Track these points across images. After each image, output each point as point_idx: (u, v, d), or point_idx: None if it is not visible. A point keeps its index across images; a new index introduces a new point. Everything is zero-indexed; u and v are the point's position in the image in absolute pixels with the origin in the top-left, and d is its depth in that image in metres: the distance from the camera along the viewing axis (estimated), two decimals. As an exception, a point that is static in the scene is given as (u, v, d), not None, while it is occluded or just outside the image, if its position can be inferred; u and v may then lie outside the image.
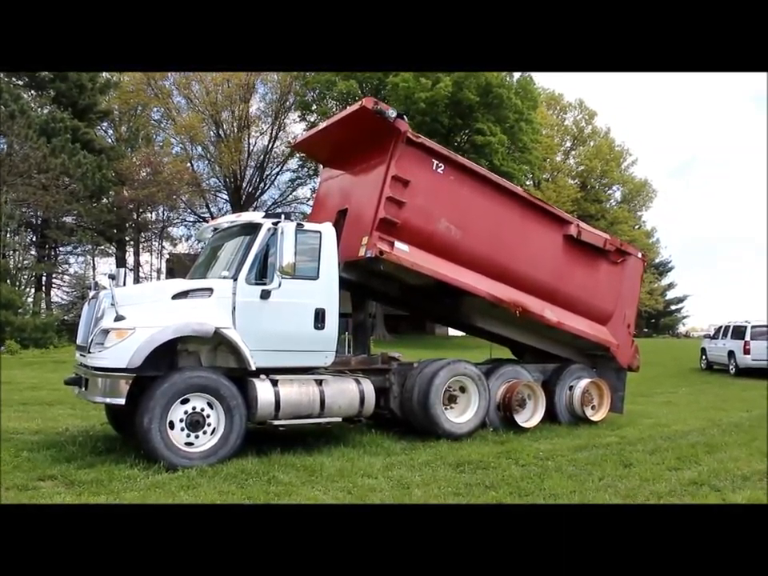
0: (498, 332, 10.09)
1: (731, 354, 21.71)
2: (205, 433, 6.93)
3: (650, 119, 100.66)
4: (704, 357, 24.83)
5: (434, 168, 8.62)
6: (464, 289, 8.86)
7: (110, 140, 42.11)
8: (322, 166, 10.53)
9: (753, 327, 20.94)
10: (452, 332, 48.38)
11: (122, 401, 6.69)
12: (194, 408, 6.90)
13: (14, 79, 33.87)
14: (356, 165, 9.15)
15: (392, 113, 8.23)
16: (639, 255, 10.94)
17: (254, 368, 7.25)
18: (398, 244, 8.27)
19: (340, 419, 7.94)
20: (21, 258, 29.99)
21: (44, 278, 37.13)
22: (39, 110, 33.59)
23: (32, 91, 35.00)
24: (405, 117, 8.47)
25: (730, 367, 21.77)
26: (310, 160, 39.98)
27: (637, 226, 58.62)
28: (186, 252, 44.26)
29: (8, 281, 26.56)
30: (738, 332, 21.52)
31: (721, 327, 23.67)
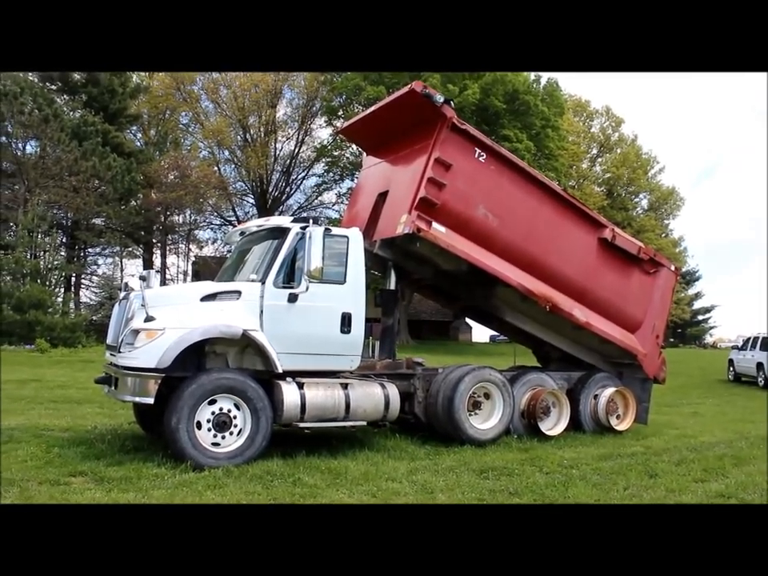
0: (525, 328, 10.02)
1: (760, 365, 21.39)
2: (231, 434, 7.00)
3: (676, 125, 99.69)
4: (731, 368, 24.46)
5: (476, 156, 8.70)
6: (497, 276, 8.88)
7: (138, 143, 42.83)
8: (364, 154, 10.62)
9: (782, 339, 20.66)
10: (475, 338, 48.50)
11: (150, 400, 6.79)
12: (221, 409, 6.97)
13: (47, 84, 34.62)
14: (400, 150, 9.23)
15: (440, 98, 8.35)
16: (672, 268, 10.80)
17: (280, 370, 7.30)
18: (435, 224, 8.34)
19: (365, 423, 7.97)
20: (51, 259, 30.57)
21: (73, 279, 37.84)
22: (71, 113, 34.30)
23: (65, 95, 35.79)
24: (451, 103, 8.57)
25: (759, 379, 21.42)
26: (338, 162, 40.36)
27: (664, 235, 58.06)
28: (212, 255, 44.87)
29: (38, 281, 27.07)
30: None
31: (749, 338, 23.33)
